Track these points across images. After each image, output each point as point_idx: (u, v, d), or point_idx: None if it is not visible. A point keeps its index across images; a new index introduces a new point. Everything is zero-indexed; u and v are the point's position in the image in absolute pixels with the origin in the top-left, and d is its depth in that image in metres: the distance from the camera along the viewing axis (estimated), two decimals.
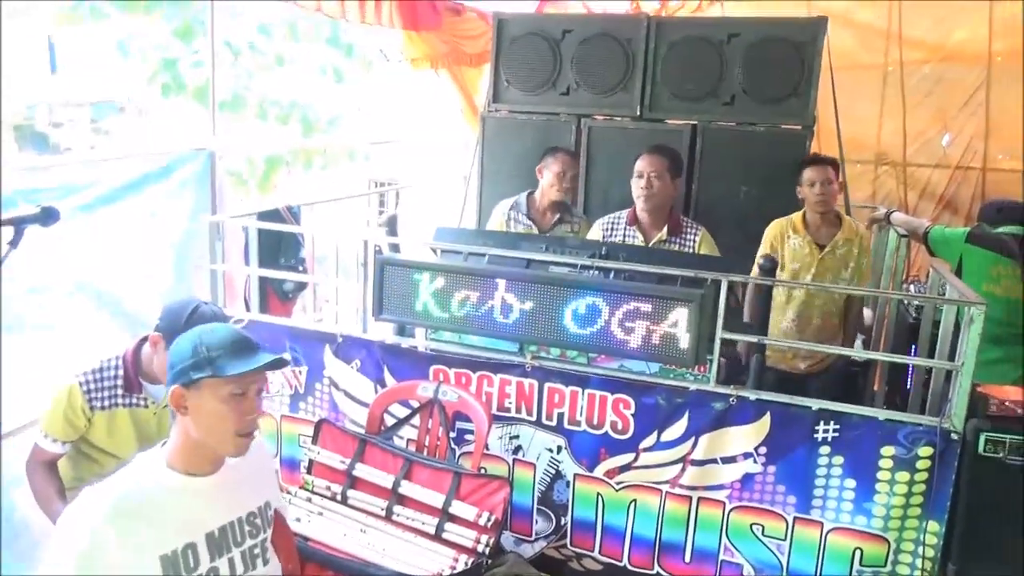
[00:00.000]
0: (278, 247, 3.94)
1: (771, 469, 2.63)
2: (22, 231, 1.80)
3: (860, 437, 2.53)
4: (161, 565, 1.63)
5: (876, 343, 4.02)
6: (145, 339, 2.57)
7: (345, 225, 5.29)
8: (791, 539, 2.65)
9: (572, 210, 3.88)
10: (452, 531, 2.50)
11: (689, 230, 3.44)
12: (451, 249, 3.03)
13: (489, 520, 2.47)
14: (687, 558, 2.76)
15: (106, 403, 2.53)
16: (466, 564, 2.41)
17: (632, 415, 2.75)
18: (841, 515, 2.58)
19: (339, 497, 2.64)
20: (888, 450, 2.49)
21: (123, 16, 9.14)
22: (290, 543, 2.14)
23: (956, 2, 5.53)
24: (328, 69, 10.12)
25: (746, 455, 2.64)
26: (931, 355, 3.15)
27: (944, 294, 3.01)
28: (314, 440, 2.77)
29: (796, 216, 3.60)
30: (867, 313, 4.03)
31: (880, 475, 2.51)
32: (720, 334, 2.63)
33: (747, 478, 2.65)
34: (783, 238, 3.57)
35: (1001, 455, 2.40)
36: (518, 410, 2.89)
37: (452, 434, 2.82)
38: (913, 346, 3.66)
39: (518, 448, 2.92)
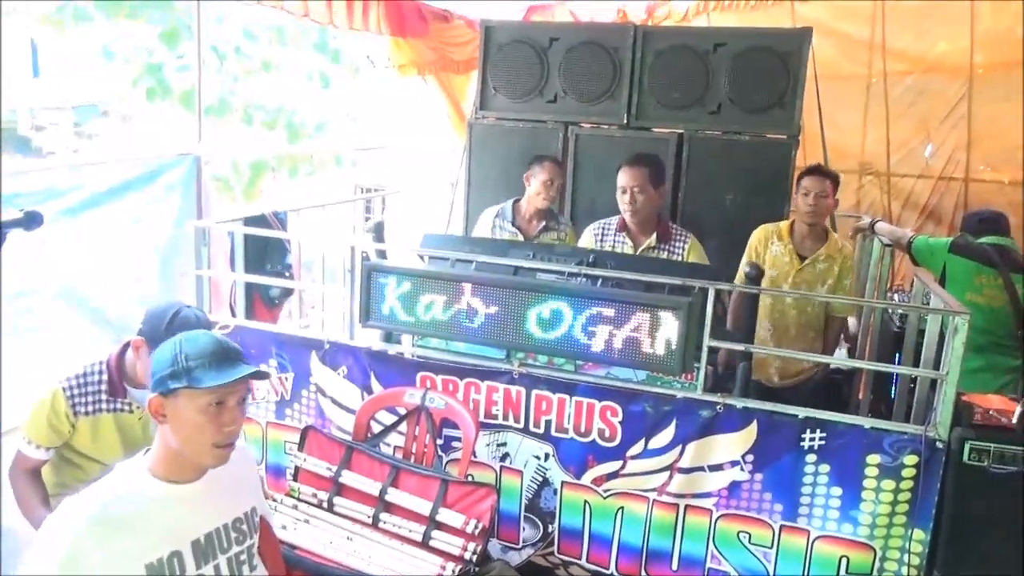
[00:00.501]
0: (264, 253, 3.93)
1: (758, 477, 2.63)
2: (4, 235, 1.78)
3: (846, 445, 2.54)
4: (147, 573, 1.61)
5: (861, 352, 4.04)
6: (129, 344, 2.54)
7: (331, 231, 5.27)
8: (777, 547, 2.65)
9: (558, 217, 3.89)
10: (439, 538, 2.48)
11: (678, 238, 3.45)
12: (438, 255, 3.03)
13: (476, 527, 2.46)
14: (674, 566, 2.76)
15: (90, 408, 2.50)
16: (453, 571, 2.40)
17: (619, 423, 2.75)
18: (827, 523, 2.59)
19: (325, 504, 2.62)
20: (874, 458, 2.50)
21: (107, 20, 9.08)
22: (276, 550, 2.13)
23: (938, 14, 5.60)
24: (315, 75, 10.10)
25: (733, 463, 2.65)
26: (916, 364, 3.18)
27: (928, 303, 3.04)
28: (300, 447, 2.75)
29: (784, 224, 3.62)
30: (851, 322, 4.05)
31: (866, 483, 2.52)
32: (708, 342, 2.63)
33: (734, 486, 2.66)
34: (767, 243, 3.58)
35: (986, 464, 2.41)
36: (505, 417, 2.88)
37: (439, 441, 2.81)
38: (898, 355, 3.69)
39: (505, 455, 2.91)
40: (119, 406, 2.55)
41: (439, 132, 6.20)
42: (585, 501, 2.83)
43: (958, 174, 5.93)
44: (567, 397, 2.80)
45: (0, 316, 2.78)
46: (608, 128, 4.21)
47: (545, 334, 2.69)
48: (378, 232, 3.44)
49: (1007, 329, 3.58)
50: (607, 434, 2.77)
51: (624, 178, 3.38)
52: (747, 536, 2.68)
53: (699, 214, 4.02)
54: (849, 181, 6.14)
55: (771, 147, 3.98)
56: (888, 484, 2.50)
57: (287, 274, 4.19)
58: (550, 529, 2.90)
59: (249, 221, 3.76)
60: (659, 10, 6.41)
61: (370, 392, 2.99)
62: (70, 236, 3.25)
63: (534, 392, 2.83)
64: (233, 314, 3.56)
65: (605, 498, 2.81)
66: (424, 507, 2.53)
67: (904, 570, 2.54)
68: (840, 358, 3.37)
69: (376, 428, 2.86)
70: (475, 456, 2.82)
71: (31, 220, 1.84)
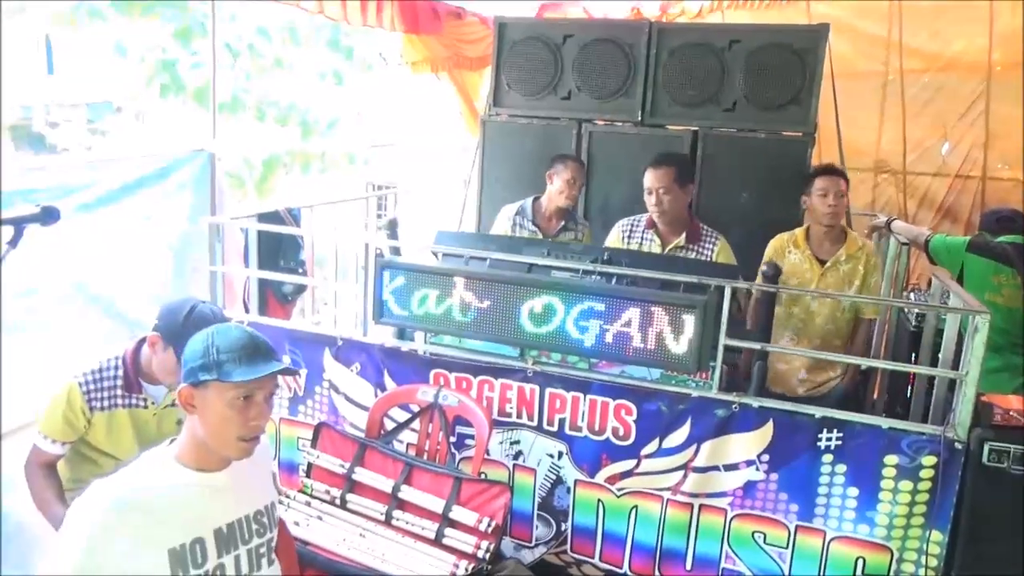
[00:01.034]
0: (278, 249, 3.93)
1: (773, 477, 2.62)
2: (22, 231, 1.78)
3: (863, 446, 2.51)
4: (169, 559, 1.63)
5: (876, 351, 4.01)
6: (144, 340, 2.54)
7: (344, 228, 5.27)
8: (793, 547, 2.63)
9: (577, 217, 3.87)
10: (452, 536, 2.48)
11: (708, 238, 3.41)
12: (452, 253, 3.02)
13: (489, 526, 2.45)
14: (688, 565, 2.75)
15: (105, 404, 2.51)
16: (466, 570, 2.39)
17: (634, 421, 2.73)
18: (844, 524, 2.57)
19: (338, 501, 2.63)
20: (891, 459, 2.48)
21: (120, 18, 9.13)
22: (290, 547, 2.12)
23: (956, 12, 5.54)
24: (328, 72, 10.12)
25: (748, 463, 2.63)
26: (932, 363, 3.15)
27: (947, 302, 3.01)
28: (313, 444, 2.75)
29: (799, 231, 3.48)
30: None
31: (883, 484, 2.50)
32: (723, 341, 2.61)
33: (749, 486, 2.64)
34: (784, 253, 3.45)
35: (1005, 465, 2.38)
36: (519, 415, 2.87)
37: (452, 439, 2.80)
38: (914, 354, 3.66)
39: (519, 453, 2.90)
40: (134, 402, 2.55)
41: (452, 129, 6.21)
42: (599, 500, 2.82)
43: (975, 172, 5.87)
44: (581, 395, 2.78)
45: (0, 315, 2.78)
46: (622, 125, 4.19)
47: (560, 332, 2.68)
48: (392, 229, 3.44)
49: None
50: (621, 433, 2.75)
51: (650, 179, 3.34)
52: (762, 536, 2.66)
53: (714, 212, 3.98)
54: (865, 179, 6.10)
55: (787, 145, 3.95)
56: (906, 485, 2.48)
57: (300, 271, 4.19)
58: (563, 527, 2.89)
59: (263, 218, 3.76)
60: (673, 7, 6.38)
61: (383, 389, 2.99)
62: (84, 232, 3.26)
63: (548, 390, 2.82)
64: (246, 310, 3.57)
65: (619, 497, 2.79)
66: (437, 505, 2.53)
67: (921, 572, 2.52)
68: (857, 357, 3.29)
69: (389, 425, 2.86)
70: (488, 454, 2.81)
71: (48, 215, 1.85)
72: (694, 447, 2.67)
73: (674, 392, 2.71)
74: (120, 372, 2.52)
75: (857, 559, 2.57)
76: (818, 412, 2.59)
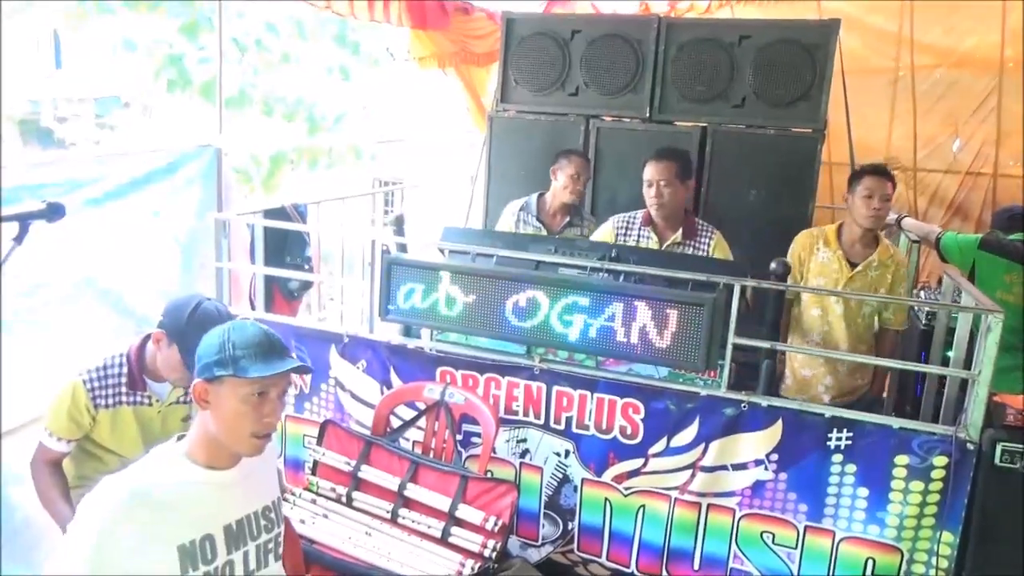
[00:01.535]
0: (284, 245, 3.92)
1: (782, 476, 2.60)
2: (27, 227, 1.77)
3: (873, 445, 2.49)
4: (178, 555, 1.62)
5: None
6: (149, 337, 2.54)
7: (351, 224, 5.26)
8: (802, 548, 2.61)
9: (583, 213, 3.85)
10: (458, 535, 2.46)
11: (704, 233, 3.40)
12: (459, 249, 3.00)
13: (496, 524, 2.44)
14: (696, 565, 2.73)
15: (110, 401, 2.50)
16: (472, 569, 2.38)
17: (641, 420, 2.71)
18: (853, 524, 2.55)
19: (344, 499, 2.62)
20: (902, 459, 2.46)
21: (128, 12, 9.14)
22: (295, 544, 2.12)
23: (968, 8, 5.49)
24: (335, 67, 10.11)
25: (757, 462, 2.61)
26: (943, 361, 3.11)
27: (959, 301, 2.98)
28: (319, 441, 2.74)
29: (830, 228, 3.33)
30: None
31: (894, 484, 2.48)
32: (732, 339, 2.59)
33: (758, 485, 2.62)
34: (812, 250, 3.31)
35: (1018, 466, 2.36)
36: (526, 413, 2.86)
37: (459, 437, 2.79)
38: (923, 353, 3.63)
39: (525, 452, 2.89)
40: (139, 399, 2.54)
41: (459, 125, 6.18)
42: (606, 499, 2.81)
43: (986, 169, 5.82)
44: (588, 393, 2.77)
45: (0, 313, 2.78)
46: (630, 121, 4.16)
47: (566, 329, 2.66)
48: (398, 225, 3.42)
49: None
50: (629, 431, 2.74)
51: (651, 172, 3.32)
52: (771, 536, 2.64)
53: (722, 209, 3.96)
54: None
55: (796, 141, 3.91)
56: (916, 485, 2.45)
57: (307, 267, 4.18)
58: (570, 526, 2.88)
59: (269, 214, 3.76)
60: (682, 3, 6.33)
61: (389, 386, 2.98)
62: (91, 227, 3.25)
63: (555, 388, 2.80)
64: (252, 307, 3.57)
65: (626, 496, 2.78)
66: (443, 503, 2.51)
67: (932, 573, 2.50)
68: (865, 356, 3.24)
69: (395, 423, 2.85)
70: (495, 452, 2.79)
71: (53, 212, 1.84)
72: (702, 446, 2.65)
73: (682, 391, 2.69)
74: (124, 369, 2.51)
75: (867, 560, 2.55)
76: (828, 411, 2.56)
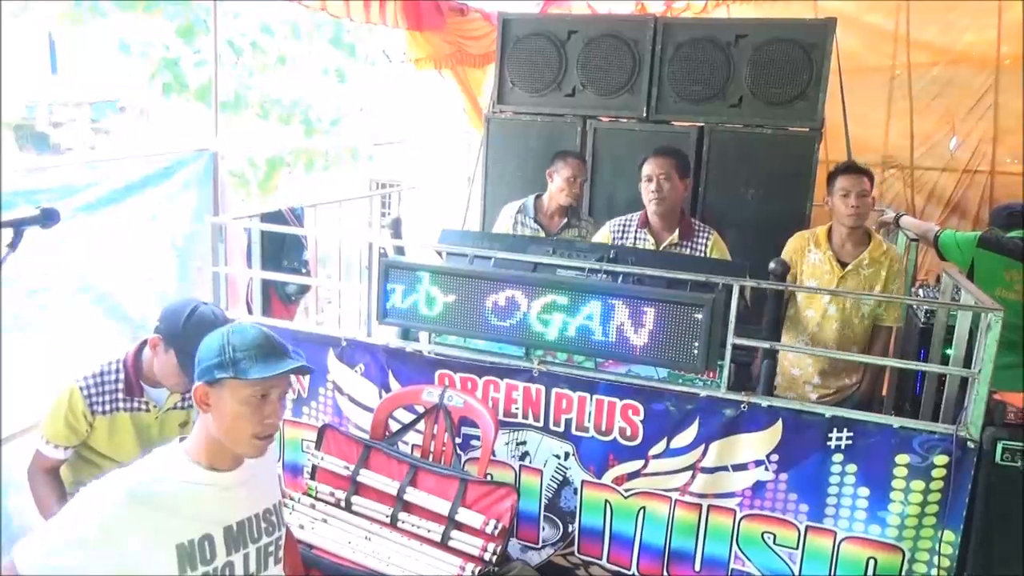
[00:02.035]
0: (281, 249, 3.90)
1: (783, 477, 2.59)
2: (21, 233, 1.76)
3: (874, 445, 2.48)
4: (177, 554, 1.62)
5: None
6: (146, 342, 2.52)
7: (348, 227, 5.25)
8: (803, 548, 2.60)
9: (580, 213, 3.84)
10: (458, 539, 2.45)
11: (701, 233, 3.39)
12: (456, 252, 2.99)
13: (496, 528, 2.42)
14: (697, 566, 2.72)
15: (107, 407, 2.49)
16: (473, 572, 2.37)
17: (641, 421, 2.70)
18: (854, 524, 2.54)
19: (343, 504, 2.60)
20: (903, 458, 2.45)
21: (123, 15, 9.12)
22: (293, 549, 2.10)
23: (964, 5, 5.49)
24: (330, 69, 10.10)
25: (757, 463, 2.60)
26: (942, 359, 3.11)
27: (958, 299, 2.97)
28: (317, 445, 2.73)
29: (820, 229, 3.35)
30: None
31: (895, 483, 2.47)
32: (731, 339, 2.58)
33: (758, 486, 2.61)
34: (803, 252, 3.33)
35: (1019, 464, 2.35)
36: (525, 416, 2.85)
37: (458, 440, 2.77)
38: (923, 351, 3.62)
39: (525, 454, 2.88)
40: (136, 405, 2.53)
41: (456, 127, 6.17)
42: (606, 501, 2.80)
43: (983, 167, 5.82)
44: (587, 395, 2.76)
45: (0, 318, 2.77)
46: (627, 122, 4.16)
47: (565, 331, 2.65)
48: (396, 228, 3.41)
49: None
50: (628, 433, 2.73)
51: (650, 166, 3.32)
52: (772, 537, 2.63)
53: (720, 209, 3.96)
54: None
55: (794, 140, 3.91)
56: (917, 484, 2.45)
57: (304, 271, 4.16)
58: (570, 529, 2.87)
59: (266, 217, 3.74)
60: (677, 2, 6.33)
61: (388, 390, 2.96)
62: (88, 232, 3.24)
63: (554, 390, 2.79)
64: (250, 311, 3.55)
65: (626, 498, 2.77)
66: (443, 507, 2.50)
67: (934, 572, 2.49)
68: (862, 356, 3.24)
69: (394, 426, 2.84)
70: (494, 455, 2.78)
71: (48, 217, 1.83)
72: (702, 447, 2.64)
73: (682, 392, 2.68)
74: (121, 375, 2.50)
75: (868, 560, 2.54)
76: (828, 411, 2.56)
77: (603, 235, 3.50)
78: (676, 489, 2.70)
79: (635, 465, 2.74)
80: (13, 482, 2.73)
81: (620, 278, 2.72)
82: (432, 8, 5.15)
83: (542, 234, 3.65)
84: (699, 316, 2.50)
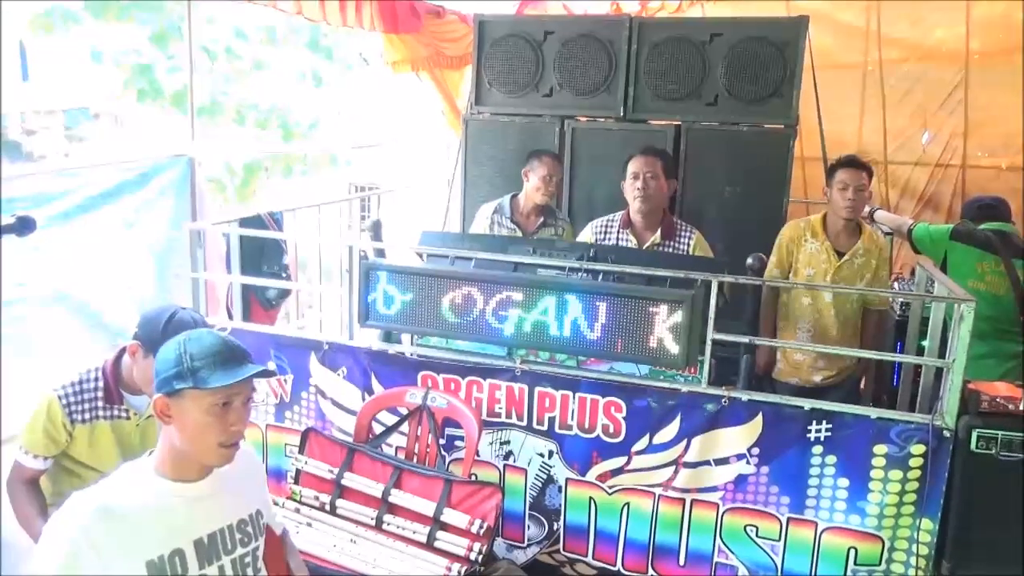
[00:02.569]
0: (260, 254, 3.90)
1: (764, 470, 2.62)
2: None
3: (852, 436, 2.52)
4: (147, 570, 1.60)
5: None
6: (125, 349, 2.50)
7: (327, 230, 5.24)
8: (785, 540, 2.63)
9: (556, 213, 3.86)
10: (444, 539, 2.46)
11: (683, 233, 3.41)
12: (437, 253, 2.99)
13: (481, 527, 2.44)
14: (681, 561, 2.74)
15: (87, 416, 2.46)
16: (459, 573, 2.38)
17: (624, 418, 2.72)
18: (835, 515, 2.58)
19: (328, 507, 2.60)
20: (881, 448, 2.49)
21: (96, 22, 9.03)
22: (278, 556, 2.10)
23: (934, 2, 5.56)
24: (307, 73, 10.05)
25: (739, 456, 2.63)
26: (918, 351, 3.16)
27: (932, 291, 3.02)
28: (301, 450, 2.72)
29: (815, 219, 3.44)
30: None
31: (873, 474, 2.51)
32: (711, 335, 2.61)
33: (740, 479, 2.64)
34: (800, 241, 3.41)
35: (994, 451, 2.39)
36: (508, 415, 2.86)
37: (442, 441, 2.78)
38: (899, 343, 3.68)
39: (509, 454, 2.89)
40: (116, 413, 2.51)
41: (434, 129, 6.17)
42: (590, 498, 2.81)
43: (955, 161, 5.89)
44: (570, 394, 2.77)
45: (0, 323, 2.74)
46: (604, 121, 4.18)
47: (547, 330, 2.67)
48: (376, 231, 3.41)
49: (1010, 315, 3.56)
50: (611, 430, 2.75)
51: (637, 164, 3.34)
52: (754, 529, 2.66)
53: (698, 206, 3.99)
54: None
55: (769, 137, 3.95)
56: (895, 474, 2.48)
57: (284, 275, 4.15)
58: (555, 527, 2.88)
59: (245, 222, 3.72)
60: (652, 2, 6.36)
61: (371, 393, 2.96)
62: (64, 241, 3.22)
63: (537, 389, 2.81)
64: (230, 316, 3.53)
65: (610, 494, 2.78)
66: (428, 508, 2.51)
67: (913, 560, 2.53)
68: (847, 349, 3.28)
69: (378, 429, 2.84)
70: (478, 455, 2.80)
71: (24, 226, 1.82)
72: (684, 442, 2.67)
73: (663, 388, 2.70)
74: (100, 383, 2.48)
75: (849, 549, 2.58)
76: (807, 404, 2.59)
77: (585, 235, 3.52)
78: (659, 484, 2.72)
79: (618, 462, 2.76)
80: None
81: (600, 276, 2.74)
82: (408, 11, 5.15)
83: (519, 234, 3.65)
84: (679, 313, 2.52)
